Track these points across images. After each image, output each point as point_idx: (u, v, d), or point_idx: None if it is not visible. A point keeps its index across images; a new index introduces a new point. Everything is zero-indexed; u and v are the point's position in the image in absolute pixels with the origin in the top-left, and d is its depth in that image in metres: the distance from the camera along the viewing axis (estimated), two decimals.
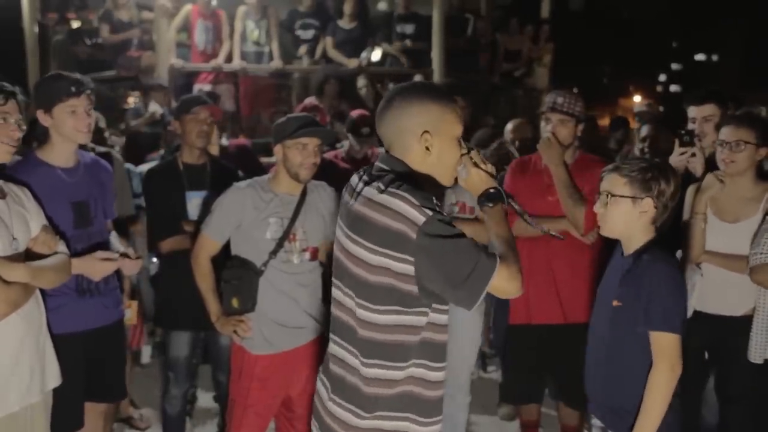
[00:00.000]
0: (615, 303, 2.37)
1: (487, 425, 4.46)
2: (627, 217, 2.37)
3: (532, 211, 3.47)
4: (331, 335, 2.11)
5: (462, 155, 2.03)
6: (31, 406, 2.52)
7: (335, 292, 2.08)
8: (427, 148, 1.96)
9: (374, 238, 1.89)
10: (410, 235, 1.84)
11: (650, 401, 2.28)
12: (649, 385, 2.29)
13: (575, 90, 3.64)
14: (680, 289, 2.36)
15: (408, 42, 7.66)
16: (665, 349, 2.28)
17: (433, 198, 1.91)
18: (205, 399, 4.45)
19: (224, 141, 5.51)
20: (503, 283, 1.88)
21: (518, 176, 3.58)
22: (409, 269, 1.86)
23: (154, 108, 6.62)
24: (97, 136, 3.90)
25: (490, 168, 2.07)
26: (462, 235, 1.87)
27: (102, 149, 3.90)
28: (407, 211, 1.84)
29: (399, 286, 1.89)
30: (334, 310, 2.08)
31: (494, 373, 5.14)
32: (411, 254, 1.85)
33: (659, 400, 2.28)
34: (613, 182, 2.39)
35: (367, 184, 1.98)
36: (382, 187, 1.90)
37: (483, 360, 5.44)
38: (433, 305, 1.94)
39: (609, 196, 2.38)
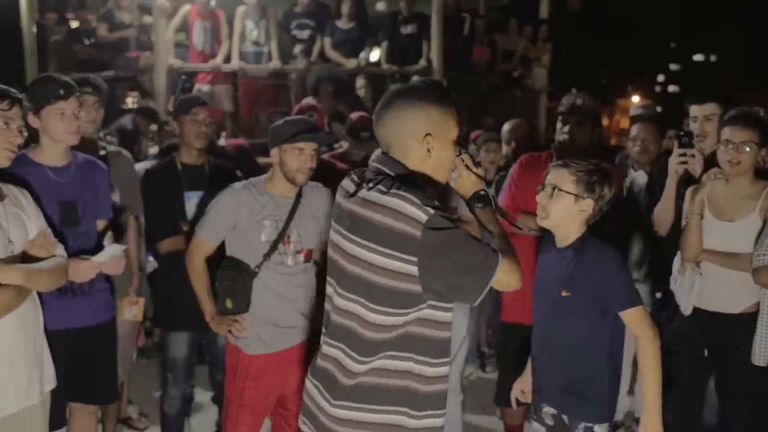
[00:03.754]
0: (564, 293, 2.47)
1: (486, 425, 4.46)
2: (567, 212, 2.48)
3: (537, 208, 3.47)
4: (324, 335, 2.11)
5: (456, 156, 2.09)
6: (29, 408, 2.51)
7: (329, 290, 2.10)
8: (429, 151, 2.00)
9: (377, 240, 1.91)
10: (415, 234, 1.85)
11: (649, 368, 2.43)
12: (643, 355, 2.44)
13: (574, 90, 3.59)
14: (625, 267, 2.56)
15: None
16: (641, 319, 2.44)
17: (434, 197, 1.94)
18: (204, 399, 4.44)
19: (222, 141, 5.50)
20: (505, 276, 1.93)
21: (528, 171, 3.46)
22: (413, 269, 1.88)
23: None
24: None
25: (480, 171, 2.16)
26: (463, 230, 1.91)
27: (113, 148, 3.89)
28: (410, 211, 1.86)
29: (401, 287, 1.90)
30: (329, 311, 2.09)
31: (493, 374, 5.13)
32: (414, 254, 1.87)
33: (657, 364, 2.43)
34: (561, 177, 2.48)
35: (359, 185, 2.00)
36: (384, 190, 1.92)
37: (482, 360, 5.45)
38: (430, 302, 1.95)
39: (555, 189, 2.47)
